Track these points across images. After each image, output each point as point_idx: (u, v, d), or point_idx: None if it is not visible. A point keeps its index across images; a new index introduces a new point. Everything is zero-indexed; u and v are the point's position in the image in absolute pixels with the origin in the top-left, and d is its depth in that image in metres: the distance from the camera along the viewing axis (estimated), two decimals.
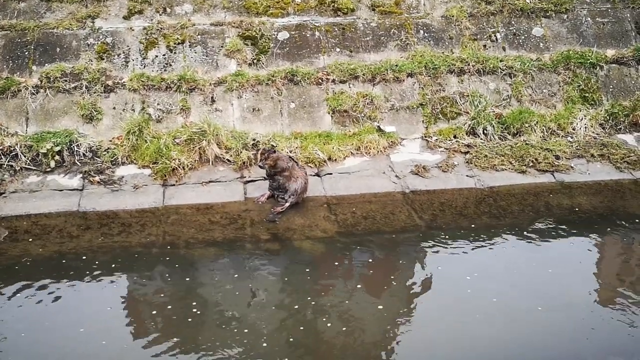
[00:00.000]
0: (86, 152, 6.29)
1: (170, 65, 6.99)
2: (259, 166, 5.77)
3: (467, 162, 6.49)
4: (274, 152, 5.68)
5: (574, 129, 6.98)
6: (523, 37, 7.64)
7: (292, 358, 4.09)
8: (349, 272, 4.96)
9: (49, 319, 4.36)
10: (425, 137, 6.87)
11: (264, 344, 4.17)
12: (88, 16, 7.20)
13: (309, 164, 6.28)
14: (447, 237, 5.36)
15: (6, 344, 4.14)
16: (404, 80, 7.12)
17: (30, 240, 5.26)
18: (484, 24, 7.66)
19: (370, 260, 5.12)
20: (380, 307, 4.56)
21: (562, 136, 6.92)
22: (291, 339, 4.26)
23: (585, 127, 6.98)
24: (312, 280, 4.87)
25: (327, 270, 5.00)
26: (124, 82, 6.80)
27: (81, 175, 6.11)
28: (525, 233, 5.42)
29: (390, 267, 5.06)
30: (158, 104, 6.72)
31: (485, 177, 6.27)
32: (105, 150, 6.34)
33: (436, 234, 5.40)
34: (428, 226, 5.55)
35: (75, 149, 6.27)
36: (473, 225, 5.54)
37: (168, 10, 7.38)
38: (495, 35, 7.60)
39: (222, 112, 6.77)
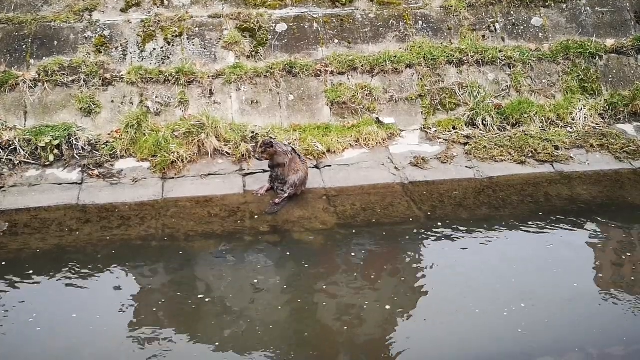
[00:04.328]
0: (85, 146, 6.28)
1: (168, 58, 6.97)
2: (256, 158, 5.77)
3: (466, 153, 6.48)
4: (272, 145, 5.65)
5: (573, 119, 6.96)
6: (522, 27, 7.61)
7: (292, 348, 4.11)
8: (348, 264, 4.97)
9: (49, 313, 4.37)
10: (425, 128, 6.86)
11: (264, 336, 4.19)
12: (85, 9, 7.18)
13: (307, 156, 6.26)
14: (446, 228, 5.36)
15: (7, 338, 4.16)
16: (402, 72, 7.10)
17: (30, 233, 5.27)
18: (483, 14, 7.63)
19: (370, 251, 5.12)
20: (379, 298, 4.57)
21: (562, 126, 6.90)
22: (291, 330, 4.28)
23: (585, 117, 6.96)
24: (311, 272, 4.88)
25: (327, 262, 5.01)
26: (122, 75, 6.78)
27: (80, 168, 6.11)
28: (524, 224, 5.42)
29: (390, 259, 5.06)
30: (156, 97, 6.71)
31: (484, 168, 6.27)
32: (104, 144, 6.34)
33: (435, 225, 5.41)
34: (427, 217, 5.55)
35: (74, 142, 6.26)
36: (472, 216, 5.55)
37: (165, 2, 7.35)
38: (494, 26, 7.58)
39: (220, 105, 6.76)
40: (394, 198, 5.85)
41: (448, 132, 6.78)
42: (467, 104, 6.99)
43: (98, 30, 7.05)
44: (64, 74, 6.68)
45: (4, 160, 6.10)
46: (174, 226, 5.38)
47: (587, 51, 7.37)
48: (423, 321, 4.37)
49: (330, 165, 6.29)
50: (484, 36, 7.50)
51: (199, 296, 4.58)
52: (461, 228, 5.36)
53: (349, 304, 4.52)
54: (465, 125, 6.85)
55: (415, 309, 4.48)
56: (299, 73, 6.95)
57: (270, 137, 6.01)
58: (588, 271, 4.91)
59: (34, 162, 6.16)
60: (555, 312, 4.39)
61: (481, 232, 5.30)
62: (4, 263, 4.90)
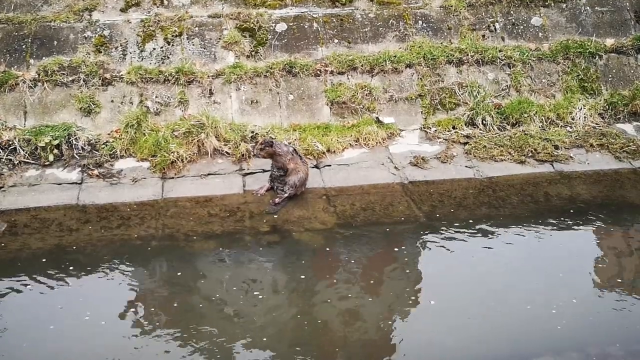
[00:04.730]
0: (85, 146, 6.28)
1: (168, 57, 6.97)
2: (254, 155, 5.78)
3: (466, 152, 6.48)
4: (271, 145, 5.65)
5: (573, 119, 6.96)
6: (522, 27, 7.61)
7: (292, 349, 4.10)
8: (347, 264, 4.97)
9: (49, 312, 4.37)
10: (424, 128, 6.86)
11: (264, 336, 4.19)
12: (85, 9, 7.18)
13: (307, 156, 6.25)
14: (446, 228, 5.36)
15: (6, 338, 4.16)
16: (402, 71, 7.10)
17: (30, 233, 5.27)
18: (483, 13, 7.63)
19: (369, 251, 5.12)
20: (379, 298, 4.58)
21: (561, 126, 6.90)
22: (290, 331, 4.28)
23: (585, 117, 6.96)
24: (311, 272, 4.88)
25: (326, 262, 5.01)
26: (121, 75, 6.78)
27: (80, 168, 6.11)
28: (524, 223, 5.42)
29: (389, 259, 5.06)
30: (156, 97, 6.71)
31: (484, 168, 6.27)
32: (103, 144, 6.34)
33: (435, 225, 5.40)
34: (427, 217, 5.55)
35: (74, 142, 6.26)
36: (472, 216, 5.54)
37: (165, 2, 7.35)
38: (494, 25, 7.57)
39: (220, 105, 6.76)
40: (393, 198, 5.85)
41: (448, 131, 6.78)
42: (466, 103, 6.99)
43: (98, 30, 7.05)
44: (63, 74, 6.68)
45: (3, 160, 6.10)
46: (173, 226, 5.38)
47: (587, 51, 7.37)
48: (423, 320, 4.37)
49: (330, 165, 6.29)
50: (483, 36, 7.50)
51: (199, 296, 4.58)
52: (461, 228, 5.35)
53: (349, 304, 4.51)
54: (465, 124, 6.85)
55: (415, 309, 4.48)
56: (298, 73, 6.95)
57: (271, 137, 6.01)
58: (587, 271, 4.91)
59: (33, 162, 6.16)
60: (555, 309, 4.39)
61: (481, 232, 5.30)
62: (3, 263, 4.89)
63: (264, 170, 5.99)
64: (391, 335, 4.24)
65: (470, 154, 6.45)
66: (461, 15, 7.56)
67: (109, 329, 4.24)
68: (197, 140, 6.27)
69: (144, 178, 6.02)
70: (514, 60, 7.26)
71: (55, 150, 6.20)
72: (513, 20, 7.63)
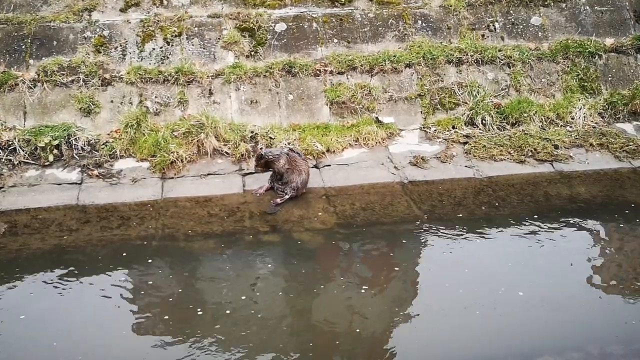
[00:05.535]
0: (84, 146, 6.28)
1: (168, 57, 6.97)
2: (255, 171, 5.83)
3: (465, 152, 6.48)
4: (262, 157, 5.67)
5: (572, 119, 6.96)
6: (522, 27, 7.61)
7: (291, 349, 4.10)
8: (348, 264, 4.97)
9: (48, 313, 4.37)
10: (424, 127, 6.86)
11: (264, 336, 4.19)
12: (85, 9, 7.18)
13: (307, 156, 6.26)
14: (445, 227, 5.36)
15: (6, 338, 4.16)
16: (402, 71, 7.10)
17: (30, 234, 5.27)
18: (482, 13, 7.63)
19: (370, 251, 5.13)
20: (379, 298, 4.58)
21: (561, 126, 6.90)
22: (290, 331, 4.28)
23: (584, 117, 6.96)
24: (311, 272, 4.88)
25: (326, 262, 5.01)
26: (121, 75, 6.78)
27: (80, 169, 6.11)
28: (524, 223, 5.42)
29: (390, 258, 5.06)
30: (156, 97, 6.71)
31: (484, 168, 6.27)
32: (103, 144, 6.34)
33: (435, 225, 5.40)
34: (427, 217, 5.55)
35: (74, 142, 6.26)
36: (472, 216, 5.54)
37: (165, 2, 7.35)
38: (493, 25, 7.57)
39: (220, 105, 6.76)
40: (393, 197, 5.85)
41: (447, 131, 6.78)
42: (466, 103, 6.99)
43: (97, 30, 7.05)
44: (63, 74, 6.68)
45: (3, 160, 6.10)
46: (173, 226, 5.38)
47: (587, 50, 7.37)
48: (422, 320, 4.36)
49: (329, 165, 6.29)
50: (483, 35, 7.50)
51: (198, 296, 4.58)
52: (461, 227, 5.35)
53: (349, 304, 4.52)
54: (465, 124, 6.85)
55: (414, 309, 4.48)
56: (298, 73, 6.95)
57: (261, 147, 6.04)
58: (587, 270, 4.91)
59: (33, 162, 6.16)
60: (554, 309, 4.39)
61: (480, 232, 5.30)
62: (3, 263, 4.89)
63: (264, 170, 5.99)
64: (392, 335, 4.24)
65: (470, 153, 6.45)
66: (461, 15, 7.57)
67: (108, 329, 4.24)
68: (197, 141, 6.27)
69: (144, 178, 6.02)
70: (514, 60, 7.26)
71: (55, 151, 6.20)
72: (513, 20, 7.63)
